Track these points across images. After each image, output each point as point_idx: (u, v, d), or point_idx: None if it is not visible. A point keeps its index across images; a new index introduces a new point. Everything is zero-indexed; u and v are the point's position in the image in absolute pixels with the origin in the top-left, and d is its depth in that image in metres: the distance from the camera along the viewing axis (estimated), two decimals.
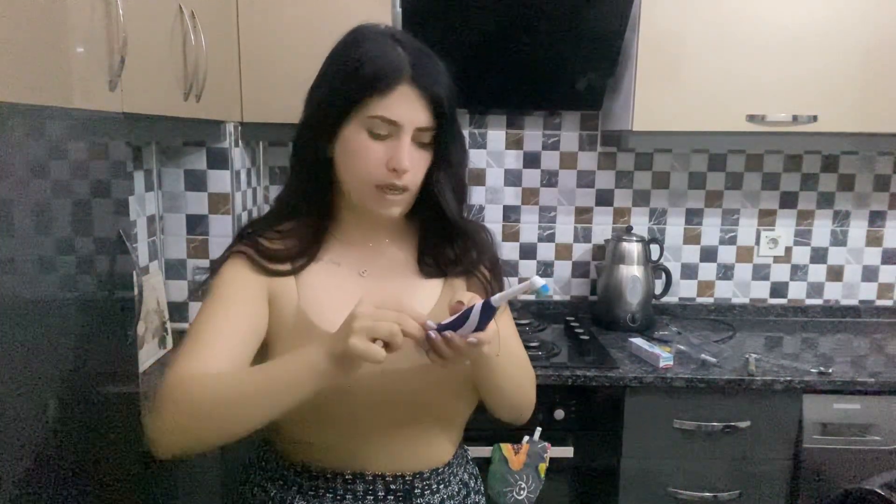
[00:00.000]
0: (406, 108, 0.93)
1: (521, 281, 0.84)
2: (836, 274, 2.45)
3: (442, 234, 1.04)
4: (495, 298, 0.84)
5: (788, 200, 2.41)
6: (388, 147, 0.94)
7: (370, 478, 0.99)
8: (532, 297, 2.44)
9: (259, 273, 0.98)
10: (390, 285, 1.03)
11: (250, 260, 0.98)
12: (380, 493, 0.99)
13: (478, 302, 0.84)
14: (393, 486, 1.00)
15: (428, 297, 1.04)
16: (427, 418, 1.01)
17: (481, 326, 0.83)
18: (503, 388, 1.00)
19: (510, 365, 0.99)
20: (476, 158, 2.36)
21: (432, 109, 0.94)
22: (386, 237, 1.07)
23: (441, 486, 1.04)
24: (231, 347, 0.92)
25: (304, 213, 1.02)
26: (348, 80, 0.94)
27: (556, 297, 2.46)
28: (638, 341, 2.01)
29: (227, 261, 1.00)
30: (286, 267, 0.99)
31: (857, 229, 2.42)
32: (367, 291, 0.97)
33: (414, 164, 0.95)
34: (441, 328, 0.83)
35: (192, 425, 0.86)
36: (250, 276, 0.98)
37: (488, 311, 0.83)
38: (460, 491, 1.07)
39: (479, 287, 1.05)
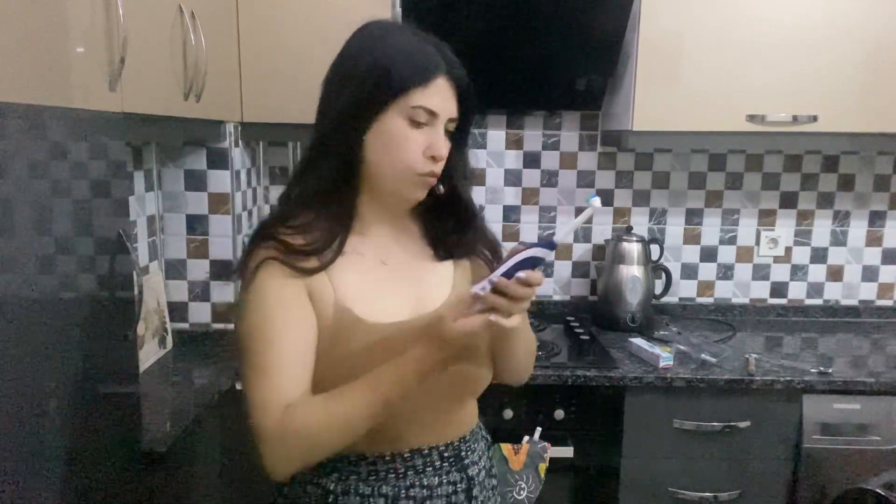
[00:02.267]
0: (442, 98, 0.98)
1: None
2: (836, 274, 2.45)
3: (449, 218, 1.09)
4: (557, 237, 0.90)
5: (788, 200, 2.41)
6: (424, 136, 0.98)
7: (426, 451, 1.05)
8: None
9: (295, 276, 0.96)
10: (411, 271, 1.07)
11: (284, 264, 0.96)
12: (437, 463, 1.05)
13: (534, 247, 0.88)
14: (446, 454, 1.06)
15: (443, 280, 1.09)
16: (465, 388, 1.08)
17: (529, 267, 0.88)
18: (517, 353, 1.09)
19: (525, 330, 1.08)
20: (476, 158, 2.36)
21: (459, 101, 1.01)
22: (398, 225, 1.09)
23: (476, 444, 1.13)
24: (301, 363, 0.95)
25: (330, 206, 1.01)
26: (391, 71, 0.96)
27: (556, 297, 2.46)
28: (638, 341, 2.01)
29: (258, 269, 0.96)
30: (315, 263, 0.98)
31: (857, 229, 2.42)
32: (394, 277, 1.05)
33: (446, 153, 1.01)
34: (494, 279, 0.87)
35: (310, 450, 0.93)
36: (289, 282, 0.96)
37: (546, 251, 0.89)
38: (484, 443, 1.17)
39: (482, 266, 1.11)
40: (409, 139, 0.97)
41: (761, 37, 1.94)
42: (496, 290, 0.87)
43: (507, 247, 1.21)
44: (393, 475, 1.02)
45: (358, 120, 0.97)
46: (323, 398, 0.92)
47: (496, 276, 0.88)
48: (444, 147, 0.99)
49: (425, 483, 1.03)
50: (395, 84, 0.96)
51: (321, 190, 1.00)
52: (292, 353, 0.94)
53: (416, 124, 0.97)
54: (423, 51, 0.98)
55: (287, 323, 0.95)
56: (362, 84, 0.97)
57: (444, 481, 1.05)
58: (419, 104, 0.96)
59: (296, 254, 0.96)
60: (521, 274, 0.87)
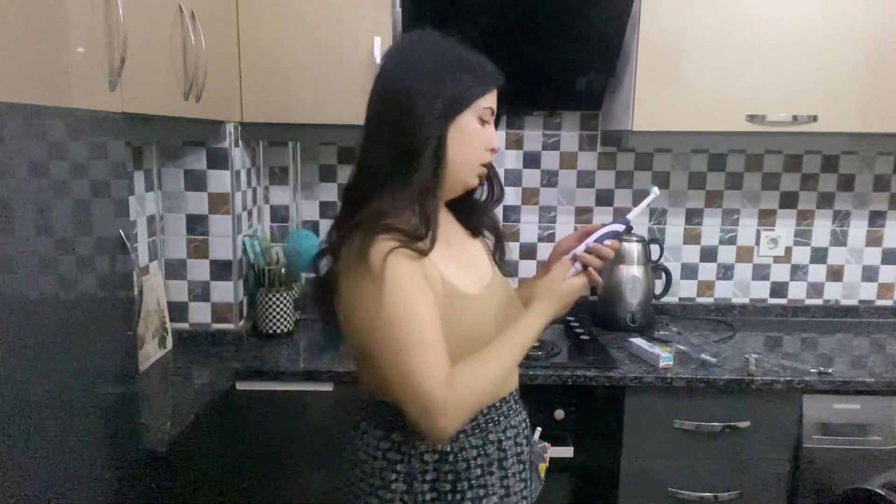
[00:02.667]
0: (495, 101, 1.16)
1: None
2: (836, 274, 2.45)
3: (472, 201, 1.25)
4: (630, 216, 1.23)
5: (788, 200, 2.41)
6: (486, 132, 1.15)
7: (507, 398, 1.21)
8: None
9: (418, 259, 1.06)
10: (464, 248, 1.23)
11: (409, 250, 1.05)
12: (514, 406, 1.23)
13: (615, 223, 1.20)
14: (515, 397, 1.25)
15: (481, 252, 1.27)
16: None
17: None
18: None
19: None
20: None
21: None
22: (444, 210, 1.21)
23: None
24: (442, 336, 1.05)
25: (423, 197, 1.09)
26: (475, 77, 1.12)
27: None
28: (638, 341, 2.01)
29: (388, 258, 1.02)
30: (424, 247, 1.07)
31: (857, 229, 2.42)
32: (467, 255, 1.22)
33: None
34: (590, 245, 1.18)
35: (474, 410, 1.08)
36: (416, 265, 1.06)
37: (624, 227, 1.21)
38: None
39: (487, 239, 1.30)
40: (480, 135, 1.14)
41: (761, 37, 1.94)
42: (589, 252, 1.17)
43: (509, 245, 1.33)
44: (492, 423, 1.17)
45: (447, 119, 1.09)
46: (473, 361, 1.05)
47: (590, 242, 1.18)
48: (499, 141, 1.17)
49: (513, 423, 1.21)
50: (477, 89, 1.12)
51: (426, 182, 1.08)
52: (437, 328, 1.04)
53: (482, 122, 1.14)
54: (486, 60, 1.15)
55: (427, 301, 1.05)
56: (450, 88, 1.09)
57: (520, 419, 1.24)
58: (489, 105, 1.13)
59: (413, 240, 1.06)
60: (607, 242, 1.18)
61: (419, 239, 1.06)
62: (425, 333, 1.02)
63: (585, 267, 1.17)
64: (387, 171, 1.08)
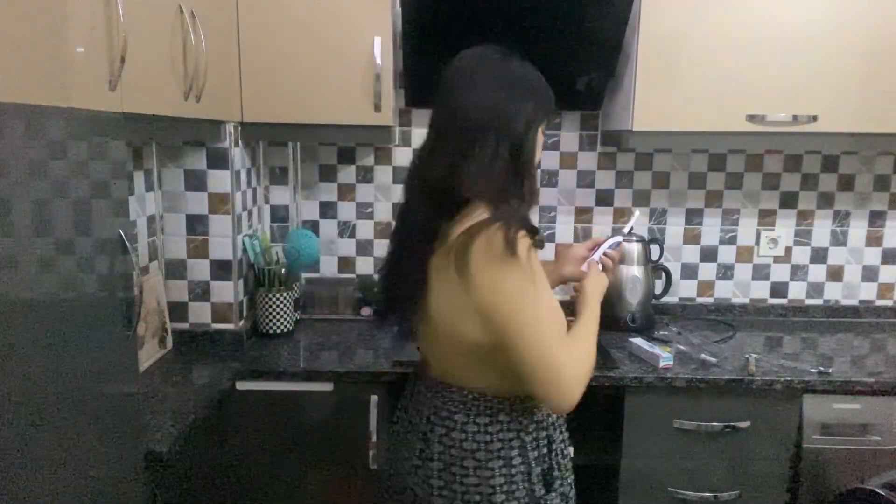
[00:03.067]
0: None
1: None
2: (836, 274, 2.45)
3: None
4: (625, 230, 1.64)
5: (788, 200, 2.41)
6: None
7: None
8: None
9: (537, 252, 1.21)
10: None
11: (537, 244, 1.19)
12: None
13: (617, 236, 1.52)
14: None
15: None
16: None
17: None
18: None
19: None
20: None
21: None
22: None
23: None
24: None
25: (533, 195, 1.24)
26: (549, 91, 1.27)
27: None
28: (638, 341, 2.01)
29: (529, 254, 1.15)
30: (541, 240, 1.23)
31: (857, 229, 2.42)
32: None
33: None
34: (605, 252, 1.49)
35: (588, 381, 1.20)
36: (539, 259, 1.20)
37: (623, 238, 1.57)
38: None
39: None
40: (542, 143, 1.30)
41: (761, 37, 1.94)
42: (605, 257, 1.48)
43: None
44: None
45: (539, 130, 1.26)
46: (578, 341, 1.25)
47: (605, 249, 1.48)
48: None
49: None
50: (551, 104, 1.28)
51: (531, 184, 1.24)
52: (560, 314, 1.20)
53: (544, 133, 1.30)
54: None
55: (551, 292, 1.22)
56: (544, 104, 1.25)
57: None
58: (549, 119, 1.32)
59: (536, 234, 1.19)
60: (617, 248, 1.51)
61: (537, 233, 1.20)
62: (561, 320, 1.19)
63: (603, 268, 1.47)
64: (503, 174, 1.18)
